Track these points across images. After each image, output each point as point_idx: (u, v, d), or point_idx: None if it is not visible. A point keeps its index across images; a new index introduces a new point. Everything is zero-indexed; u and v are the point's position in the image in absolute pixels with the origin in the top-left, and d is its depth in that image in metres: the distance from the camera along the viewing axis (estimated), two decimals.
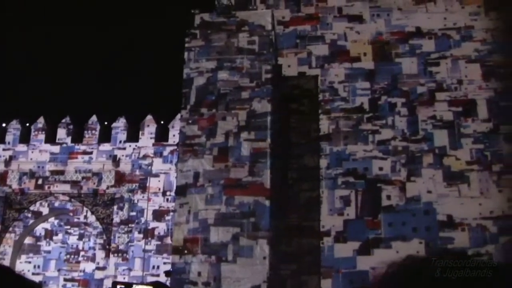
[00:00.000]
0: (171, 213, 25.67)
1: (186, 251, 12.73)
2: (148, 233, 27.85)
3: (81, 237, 30.64)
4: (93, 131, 30.09)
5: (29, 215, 29.95)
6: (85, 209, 29.71)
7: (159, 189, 28.37)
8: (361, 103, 15.19)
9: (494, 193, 14.10)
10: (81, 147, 29.87)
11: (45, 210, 30.17)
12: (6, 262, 27.47)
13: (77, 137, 30.22)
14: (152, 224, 28.00)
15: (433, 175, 14.40)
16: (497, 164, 14.31)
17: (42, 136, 30.35)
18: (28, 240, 30.89)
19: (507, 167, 14.20)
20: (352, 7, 16.13)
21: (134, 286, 20.35)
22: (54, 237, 31.10)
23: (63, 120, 30.65)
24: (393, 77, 15.28)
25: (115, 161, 29.24)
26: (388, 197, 14.32)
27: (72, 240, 30.74)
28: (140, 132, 29.67)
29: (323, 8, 16.23)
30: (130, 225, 28.14)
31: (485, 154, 14.44)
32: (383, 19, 15.91)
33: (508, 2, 15.49)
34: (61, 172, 29.53)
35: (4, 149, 30.25)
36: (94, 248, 30.17)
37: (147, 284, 20.89)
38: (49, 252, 30.79)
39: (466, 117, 14.79)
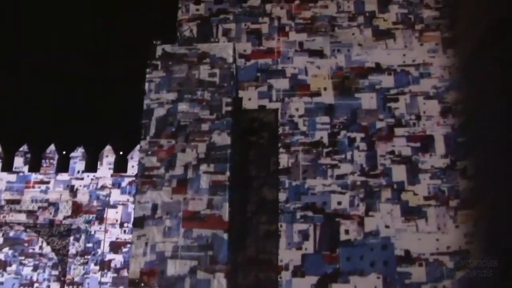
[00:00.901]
0: (128, 245, 25.39)
1: (142, 284, 12.55)
2: (104, 265, 27.49)
3: (35, 268, 30.10)
4: (51, 160, 29.78)
5: None
6: (40, 239, 29.24)
7: (117, 220, 28.10)
8: (321, 138, 15.26)
9: (451, 228, 14.20)
10: (38, 177, 29.50)
11: None
12: None
13: (35, 166, 29.84)
14: (109, 256, 27.67)
15: (391, 210, 14.47)
16: (454, 199, 14.43)
17: None
18: None
19: (464, 202, 14.32)
20: (313, 42, 16.27)
21: None
22: (8, 268, 30.51)
23: (21, 149, 30.30)
24: (353, 112, 15.40)
25: (73, 191, 28.91)
26: (346, 232, 14.33)
27: (26, 271, 30.19)
28: (99, 163, 29.45)
29: (284, 42, 16.35)
30: (86, 256, 27.76)
31: (442, 189, 14.57)
32: (344, 54, 16.07)
33: (464, 40, 15.77)
34: (17, 202, 29.09)
35: None
36: (48, 280, 29.65)
37: None
38: (2, 283, 30.18)
39: (424, 152, 14.95)
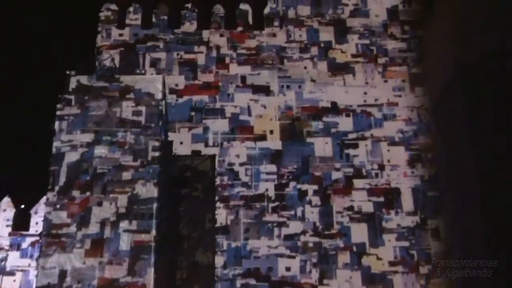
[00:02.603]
0: None
1: None
2: None
3: None
4: None
5: None
6: None
7: None
8: (266, 190, 15.21)
9: None
10: None
11: None
12: None
13: None
14: None
15: (350, 277, 14.41)
16: (425, 265, 14.50)
17: None
18: None
19: (436, 268, 14.46)
20: (258, 76, 16.29)
21: None
22: None
23: None
24: (304, 159, 15.42)
25: None
26: None
27: None
28: None
29: (223, 76, 16.32)
30: None
31: (410, 253, 14.65)
32: (294, 91, 16.12)
33: (435, 77, 16.09)
34: None
35: None
36: None
37: None
38: None
39: (389, 208, 15.03)
